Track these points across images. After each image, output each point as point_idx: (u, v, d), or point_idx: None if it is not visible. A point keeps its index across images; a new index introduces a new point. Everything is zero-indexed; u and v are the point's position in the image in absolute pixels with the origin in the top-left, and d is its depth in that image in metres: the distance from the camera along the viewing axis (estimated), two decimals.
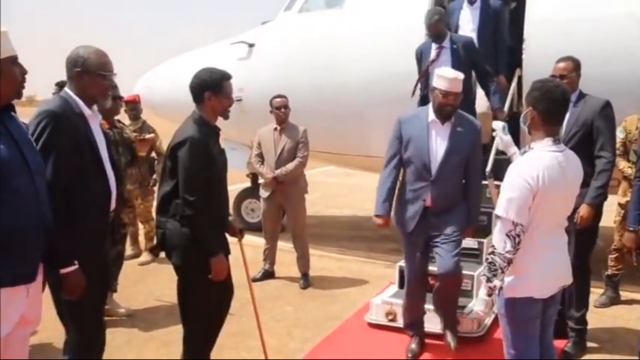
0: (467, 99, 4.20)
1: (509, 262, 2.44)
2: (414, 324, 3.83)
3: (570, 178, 2.50)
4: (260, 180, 5.41)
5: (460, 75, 3.47)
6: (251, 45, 6.42)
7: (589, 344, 3.83)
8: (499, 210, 2.46)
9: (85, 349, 2.72)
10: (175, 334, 3.89)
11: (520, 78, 4.86)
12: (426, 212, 3.56)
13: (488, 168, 4.35)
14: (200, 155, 2.94)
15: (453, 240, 3.55)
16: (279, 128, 5.20)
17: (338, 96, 5.80)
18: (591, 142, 3.58)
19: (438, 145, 3.52)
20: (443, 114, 3.48)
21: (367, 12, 5.84)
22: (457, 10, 5.18)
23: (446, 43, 4.67)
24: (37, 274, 2.30)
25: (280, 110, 5.13)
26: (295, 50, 6.16)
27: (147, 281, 5.20)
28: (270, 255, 5.50)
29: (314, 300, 4.87)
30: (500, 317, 2.65)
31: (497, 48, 4.99)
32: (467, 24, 5.07)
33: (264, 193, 5.33)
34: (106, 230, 2.80)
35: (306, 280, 5.28)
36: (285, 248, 5.69)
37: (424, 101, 4.64)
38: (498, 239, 2.46)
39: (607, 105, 3.62)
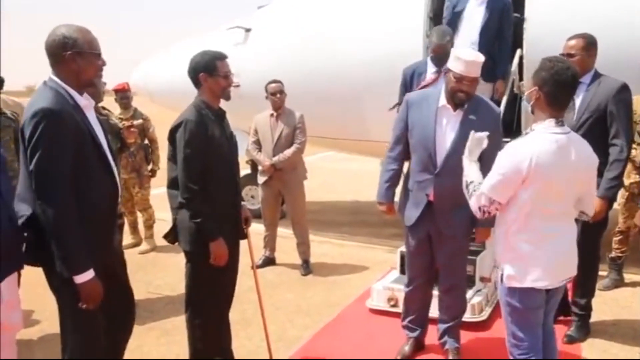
0: None
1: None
2: (411, 327, 3.62)
3: (573, 162, 2.38)
4: (259, 167, 5.39)
5: (480, 58, 3.10)
6: (248, 30, 6.37)
7: (593, 327, 3.82)
8: (483, 186, 2.47)
9: (88, 351, 2.57)
10: (176, 322, 3.90)
11: (521, 58, 4.79)
12: (431, 207, 3.28)
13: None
14: (196, 137, 2.92)
15: (460, 248, 3.34)
16: (275, 114, 5.17)
17: (336, 80, 5.74)
18: (605, 128, 3.40)
19: (446, 134, 3.18)
20: (455, 101, 3.14)
21: None
22: (462, 1, 4.86)
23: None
24: (6, 276, 2.19)
25: (276, 95, 5.09)
26: (291, 33, 6.11)
27: (147, 270, 5.20)
28: (270, 242, 5.50)
29: (315, 287, 4.87)
30: (502, 306, 2.61)
31: (499, 49, 4.72)
32: (471, 19, 4.77)
33: (261, 180, 5.31)
34: (115, 224, 2.71)
35: (307, 267, 5.28)
36: (285, 235, 5.68)
37: None
38: (471, 204, 2.54)
39: (624, 89, 3.41)
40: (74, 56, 2.38)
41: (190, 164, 2.91)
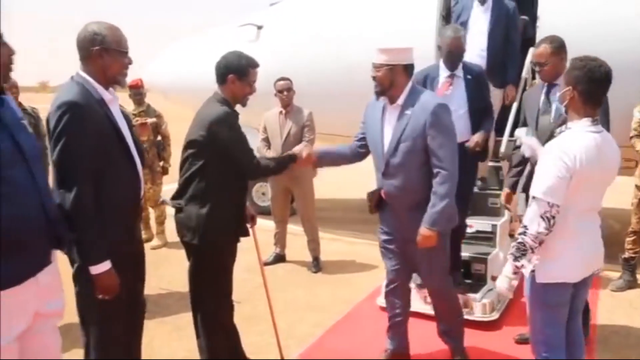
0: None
1: (540, 242, 2.40)
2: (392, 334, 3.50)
3: (606, 161, 2.42)
4: None
5: (389, 46, 2.99)
6: (259, 27, 6.37)
7: (606, 328, 3.79)
8: (535, 190, 2.39)
9: (112, 351, 2.62)
10: (187, 318, 3.89)
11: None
12: (390, 208, 3.19)
13: (502, 149, 4.29)
14: (240, 129, 2.99)
15: (427, 258, 3.11)
16: (284, 111, 5.17)
17: (346, 78, 5.73)
18: None
19: (387, 131, 3.09)
20: (374, 92, 3.08)
21: None
22: (466, 10, 4.77)
23: (459, 72, 3.97)
24: (45, 266, 2.22)
25: (283, 93, 5.09)
26: (302, 31, 6.10)
27: (158, 265, 5.22)
28: (280, 239, 5.51)
29: (325, 284, 4.86)
30: (528, 302, 2.60)
31: (508, 52, 4.62)
32: (477, 25, 4.67)
33: (270, 177, 5.30)
34: (138, 215, 2.77)
35: (317, 264, 5.27)
36: (296, 232, 5.68)
37: None
38: (531, 220, 2.40)
39: None
40: (101, 52, 2.46)
41: (249, 148, 3.03)
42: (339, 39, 5.78)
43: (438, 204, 2.92)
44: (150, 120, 5.50)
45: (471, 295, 3.95)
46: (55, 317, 2.32)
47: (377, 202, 3.21)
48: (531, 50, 4.70)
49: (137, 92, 5.75)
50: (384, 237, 3.28)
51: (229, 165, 2.94)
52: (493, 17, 4.59)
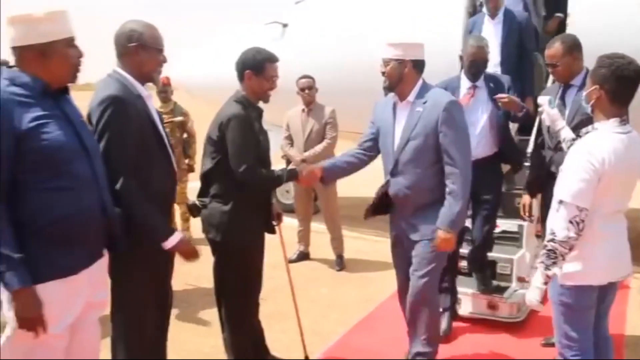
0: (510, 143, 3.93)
1: (571, 248, 2.34)
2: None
3: (633, 162, 2.36)
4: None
5: (397, 40, 2.94)
6: (285, 25, 6.37)
7: (636, 332, 3.71)
8: (562, 194, 2.34)
9: (140, 343, 2.66)
10: (212, 314, 3.93)
11: None
12: (396, 209, 3.11)
13: (529, 149, 4.22)
14: (247, 132, 2.95)
15: (421, 260, 2.99)
16: (306, 109, 5.18)
17: (370, 76, 5.70)
18: None
19: (398, 129, 3.01)
20: (383, 87, 3.03)
21: None
22: (477, 25, 4.68)
23: (480, 83, 3.78)
24: (99, 258, 2.33)
25: (304, 91, 5.10)
26: (326, 29, 6.08)
27: (183, 261, 5.23)
28: (304, 236, 5.52)
29: (349, 283, 4.86)
30: (553, 305, 2.54)
31: (523, 66, 4.48)
32: (489, 40, 4.32)
33: None
34: (173, 209, 2.85)
35: (341, 262, 5.27)
36: (320, 230, 5.68)
37: None
38: (559, 225, 2.34)
39: None
40: (137, 49, 2.51)
41: (245, 153, 2.93)
42: (364, 37, 5.75)
43: (454, 204, 2.85)
44: (177, 119, 5.55)
45: (497, 296, 3.90)
46: (101, 308, 2.43)
47: (380, 204, 3.13)
48: None
49: (164, 89, 5.80)
50: (393, 240, 3.22)
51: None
52: (505, 31, 4.50)
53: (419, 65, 2.95)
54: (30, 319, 2.08)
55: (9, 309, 2.10)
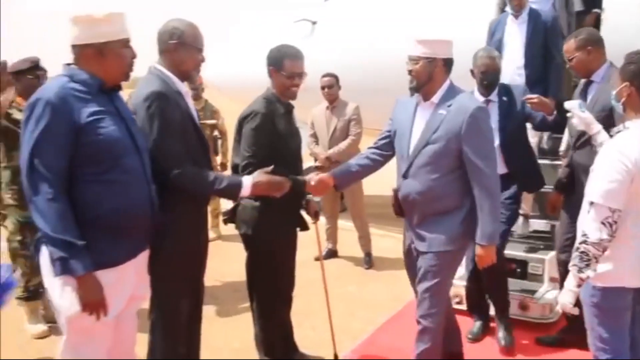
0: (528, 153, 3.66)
1: (604, 250, 2.28)
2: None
3: None
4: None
5: (429, 37, 2.75)
6: (314, 23, 6.38)
7: None
8: (593, 196, 2.28)
9: (177, 331, 2.72)
10: (241, 309, 3.97)
11: None
12: (405, 213, 2.90)
13: (562, 147, 4.12)
14: (263, 129, 2.95)
15: (426, 272, 2.78)
16: (330, 107, 5.18)
17: (398, 75, 5.66)
18: (613, 127, 3.12)
19: (416, 131, 2.78)
20: (409, 87, 2.81)
21: None
22: (500, 26, 4.43)
23: (494, 96, 3.56)
24: (144, 250, 2.41)
25: (325, 90, 5.10)
26: (355, 27, 6.05)
27: (213, 257, 5.26)
28: (331, 234, 5.52)
29: (377, 280, 4.84)
30: (586, 307, 2.46)
31: (549, 69, 4.23)
32: (513, 41, 4.34)
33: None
34: (207, 205, 2.90)
35: (369, 260, 5.25)
36: (347, 227, 5.67)
37: None
38: (591, 227, 2.27)
39: None
40: (177, 46, 2.56)
41: (255, 152, 2.95)
42: (392, 35, 5.71)
43: (489, 220, 2.65)
44: (209, 121, 5.62)
45: (528, 296, 3.85)
46: (141, 300, 2.52)
47: (398, 205, 2.92)
48: None
49: (194, 87, 5.85)
50: (404, 250, 3.06)
51: (274, 160, 2.90)
52: (529, 31, 4.24)
53: (448, 64, 2.75)
54: (94, 302, 2.18)
55: (60, 297, 2.18)
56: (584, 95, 3.29)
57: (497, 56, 3.57)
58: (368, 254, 5.32)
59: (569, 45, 3.25)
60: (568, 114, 2.94)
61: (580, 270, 2.30)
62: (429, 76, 2.72)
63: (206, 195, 2.78)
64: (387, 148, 3.01)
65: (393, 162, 3.03)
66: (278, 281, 3.16)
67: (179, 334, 2.73)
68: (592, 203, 2.29)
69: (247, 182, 2.64)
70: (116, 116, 2.26)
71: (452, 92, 2.74)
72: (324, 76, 5.12)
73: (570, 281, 2.36)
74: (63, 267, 2.11)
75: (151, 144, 2.43)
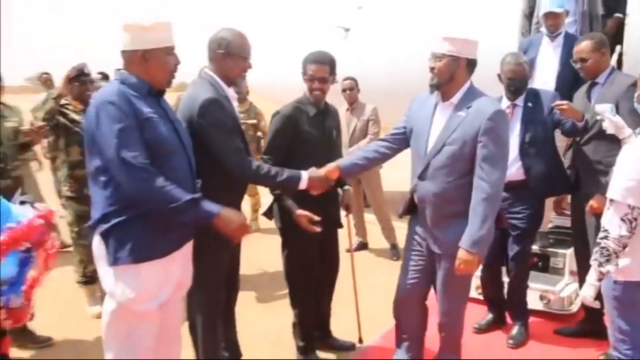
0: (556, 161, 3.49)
1: (625, 246, 2.24)
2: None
3: None
4: None
5: (453, 34, 2.57)
6: (347, 30, 6.38)
7: None
8: (614, 194, 2.25)
9: (214, 315, 2.80)
10: (279, 295, 4.02)
11: (620, 55, 4.40)
12: (419, 213, 2.74)
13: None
14: (284, 131, 3.00)
15: (449, 274, 2.64)
16: (350, 108, 5.24)
17: (426, 79, 5.61)
18: None
19: (434, 131, 2.63)
20: (430, 84, 2.63)
21: None
22: (534, 46, 4.23)
23: (520, 100, 3.44)
24: (188, 241, 2.45)
25: (345, 92, 5.15)
26: (386, 34, 6.04)
27: (252, 249, 5.32)
28: (359, 227, 5.55)
29: None
30: (607, 301, 2.45)
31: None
32: (547, 64, 4.14)
33: None
34: (240, 201, 2.94)
35: (396, 252, 5.25)
36: (375, 221, 5.63)
37: None
38: (612, 223, 2.25)
39: (636, 85, 2.94)
40: (224, 56, 2.62)
41: (274, 148, 3.03)
42: (422, 42, 5.65)
43: (481, 223, 2.46)
44: (250, 120, 5.70)
45: (550, 289, 3.81)
46: (185, 288, 2.55)
47: (409, 206, 2.79)
48: (618, 48, 4.41)
49: (240, 91, 5.91)
50: (412, 247, 2.85)
51: (301, 159, 2.94)
52: (564, 56, 3.96)
53: (472, 65, 2.59)
54: (238, 228, 2.33)
55: (115, 284, 2.22)
56: (588, 95, 3.29)
57: (524, 62, 3.44)
58: (394, 246, 5.31)
59: (586, 46, 3.22)
60: (598, 117, 2.85)
61: (600, 265, 2.28)
62: (451, 75, 2.56)
63: (269, 186, 2.88)
64: (399, 143, 2.86)
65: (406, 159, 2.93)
66: (312, 271, 3.19)
67: (218, 317, 2.81)
68: (612, 200, 2.26)
69: (305, 176, 2.71)
70: (164, 117, 2.29)
71: (472, 93, 2.59)
72: (344, 80, 5.15)
73: (592, 275, 2.34)
74: (204, 218, 2.25)
75: (215, 147, 2.51)
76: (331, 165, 2.82)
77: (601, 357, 3.26)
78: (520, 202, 3.39)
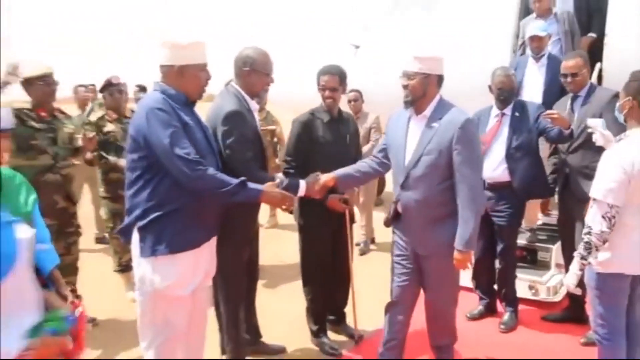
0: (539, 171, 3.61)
1: (605, 241, 2.39)
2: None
3: None
4: None
5: (424, 53, 2.64)
6: (357, 47, 6.57)
7: None
8: (596, 193, 2.38)
9: (237, 303, 2.93)
10: (295, 285, 4.00)
11: (600, 71, 4.56)
12: (404, 221, 2.78)
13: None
14: (298, 136, 3.19)
15: (438, 273, 2.74)
16: (354, 117, 5.40)
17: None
18: None
19: (411, 143, 2.69)
20: (404, 101, 2.68)
21: (459, 13, 5.75)
22: (520, 68, 4.31)
23: (508, 110, 3.60)
24: (215, 235, 2.56)
25: (350, 103, 5.36)
26: (392, 51, 6.21)
27: (271, 242, 5.38)
28: (367, 225, 5.71)
29: None
30: (589, 290, 2.57)
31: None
32: (533, 82, 4.23)
33: None
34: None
35: (366, 246, 5.52)
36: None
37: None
38: (594, 220, 2.39)
39: (616, 97, 2.95)
40: (250, 72, 2.77)
41: (291, 155, 3.20)
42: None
43: (468, 224, 2.56)
44: (269, 127, 5.94)
45: (537, 280, 4.01)
46: (212, 276, 2.65)
47: (394, 215, 2.84)
48: (598, 65, 4.49)
49: (258, 101, 6.14)
50: (397, 252, 2.87)
51: (317, 161, 3.08)
52: (548, 75, 4.12)
53: (440, 80, 2.67)
54: (282, 199, 2.54)
55: (152, 273, 2.30)
56: (572, 108, 3.42)
57: (512, 74, 3.63)
58: (373, 240, 5.64)
59: (577, 62, 3.34)
60: (589, 130, 2.87)
61: (582, 257, 2.44)
62: (424, 91, 2.63)
63: None
64: (387, 159, 2.91)
65: None
66: (325, 263, 3.31)
67: (240, 302, 2.94)
68: (594, 199, 2.41)
69: (303, 184, 2.82)
70: (198, 124, 2.41)
71: (442, 106, 2.66)
72: (349, 91, 5.29)
73: (575, 265, 2.50)
74: (252, 197, 2.43)
75: (229, 151, 2.63)
76: (328, 175, 2.88)
77: (582, 340, 3.40)
78: (504, 202, 3.58)
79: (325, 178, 2.89)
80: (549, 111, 3.42)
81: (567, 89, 3.52)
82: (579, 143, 3.32)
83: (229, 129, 2.65)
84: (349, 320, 3.59)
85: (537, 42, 4.23)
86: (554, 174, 3.62)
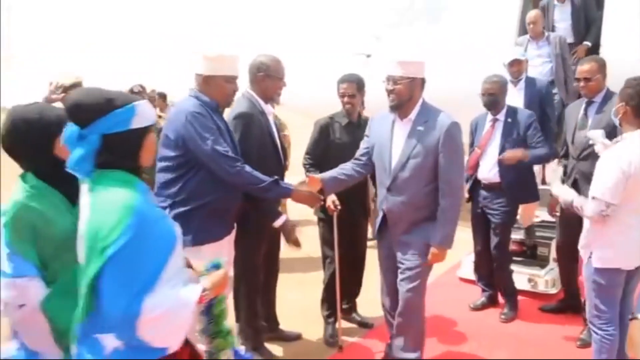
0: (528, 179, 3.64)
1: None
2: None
3: None
4: None
5: (409, 58, 2.57)
6: (368, 56, 6.60)
7: None
8: (594, 191, 2.40)
9: (255, 294, 2.96)
10: (311, 277, 4.15)
11: None
12: (388, 224, 2.71)
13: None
14: (316, 138, 3.27)
15: (410, 273, 2.62)
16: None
17: (444, 103, 5.61)
18: None
19: (396, 146, 2.62)
20: (389, 105, 2.60)
21: (464, 25, 5.75)
22: None
23: (501, 115, 3.58)
24: (233, 229, 2.63)
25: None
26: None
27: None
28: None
29: None
30: (587, 283, 2.59)
31: (544, 128, 3.78)
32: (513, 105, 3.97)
33: None
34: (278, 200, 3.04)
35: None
36: None
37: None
38: (588, 207, 2.43)
39: None
40: (264, 77, 2.80)
41: (310, 154, 3.30)
42: (430, 68, 5.76)
43: (447, 225, 2.55)
44: (283, 133, 5.98)
45: (536, 273, 4.03)
46: (231, 266, 2.68)
47: (381, 225, 2.76)
48: None
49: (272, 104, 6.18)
50: (381, 253, 2.86)
51: (334, 161, 3.04)
52: (527, 97, 4.02)
53: (423, 84, 2.61)
54: (310, 198, 2.65)
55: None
56: (585, 113, 3.23)
57: (495, 81, 3.53)
58: None
59: (591, 67, 3.14)
60: (590, 142, 2.78)
61: (573, 201, 2.55)
62: (409, 95, 2.56)
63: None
64: (367, 162, 2.81)
65: None
66: (341, 253, 3.28)
67: (257, 292, 2.96)
68: (593, 198, 2.40)
69: (283, 217, 2.75)
70: (226, 129, 2.50)
71: (426, 109, 2.60)
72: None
73: (572, 196, 2.59)
74: (283, 194, 2.55)
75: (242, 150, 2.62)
76: (314, 177, 2.78)
77: (578, 343, 3.30)
78: (498, 201, 3.59)
79: (310, 179, 2.79)
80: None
81: (581, 94, 3.38)
82: (589, 151, 3.09)
83: (233, 128, 2.68)
84: (361, 311, 3.62)
85: (517, 66, 4.11)
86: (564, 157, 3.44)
